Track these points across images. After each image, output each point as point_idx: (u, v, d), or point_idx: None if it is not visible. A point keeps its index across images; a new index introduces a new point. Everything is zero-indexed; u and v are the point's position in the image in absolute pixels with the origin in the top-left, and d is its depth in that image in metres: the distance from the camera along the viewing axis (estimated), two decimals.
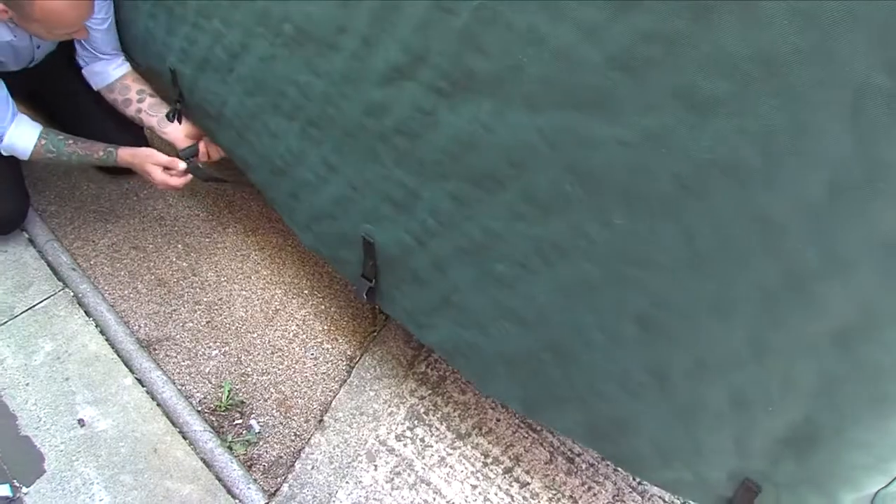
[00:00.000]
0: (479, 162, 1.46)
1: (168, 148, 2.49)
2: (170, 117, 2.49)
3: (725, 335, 1.26)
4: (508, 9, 1.23)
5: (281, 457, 2.18)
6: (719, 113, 1.06)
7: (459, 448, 2.23)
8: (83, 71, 2.49)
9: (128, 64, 2.54)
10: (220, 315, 2.52)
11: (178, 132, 2.51)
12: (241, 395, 2.31)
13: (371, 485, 2.13)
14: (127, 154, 2.39)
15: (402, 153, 1.62)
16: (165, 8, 2.17)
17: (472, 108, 1.40)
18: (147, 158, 2.37)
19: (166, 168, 2.37)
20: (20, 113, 2.27)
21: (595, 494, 2.19)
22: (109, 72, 2.48)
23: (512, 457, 2.23)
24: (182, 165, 2.40)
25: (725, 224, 1.15)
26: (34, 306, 2.42)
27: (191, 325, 2.48)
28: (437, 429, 2.27)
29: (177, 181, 2.40)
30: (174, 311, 2.51)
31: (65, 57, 2.52)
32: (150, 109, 2.51)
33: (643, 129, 1.16)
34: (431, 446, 2.23)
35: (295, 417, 2.28)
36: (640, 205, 1.24)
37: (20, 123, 2.26)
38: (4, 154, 2.27)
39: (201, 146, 2.52)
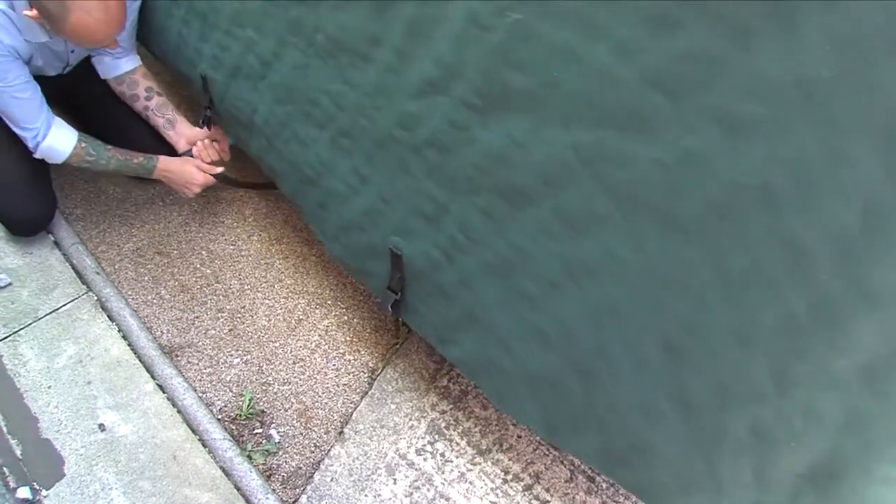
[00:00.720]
0: (510, 177, 1.44)
1: None
2: (200, 124, 2.52)
3: (749, 364, 1.24)
4: (545, 26, 1.22)
5: (300, 468, 2.17)
6: (755, 137, 1.04)
7: (480, 464, 2.21)
8: (92, 59, 2.52)
9: (138, 58, 2.59)
10: (243, 323, 2.52)
11: (181, 137, 2.58)
12: (261, 404, 2.30)
13: (390, 498, 2.12)
14: (167, 161, 2.46)
15: (434, 166, 1.62)
16: (199, 15, 2.18)
17: (505, 123, 1.39)
18: (192, 161, 2.51)
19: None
20: (56, 116, 2.29)
21: None
22: (120, 63, 2.52)
23: (532, 474, 2.21)
24: (220, 168, 2.53)
25: (756, 250, 1.13)
26: (58, 309, 2.42)
27: (213, 332, 2.48)
28: (458, 444, 2.25)
29: (212, 180, 2.53)
30: (197, 317, 2.51)
31: None
32: (157, 109, 2.57)
33: (679, 149, 1.14)
34: (451, 461, 2.21)
35: (315, 428, 2.27)
36: (672, 227, 1.22)
37: (59, 127, 2.28)
38: (38, 157, 2.29)
39: (194, 150, 2.59)
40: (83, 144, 2.32)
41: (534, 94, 1.30)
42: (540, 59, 1.26)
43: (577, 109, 1.25)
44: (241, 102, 2.20)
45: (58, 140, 2.27)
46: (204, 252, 2.72)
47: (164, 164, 2.47)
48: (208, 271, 2.66)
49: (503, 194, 1.49)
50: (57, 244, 2.62)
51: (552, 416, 1.77)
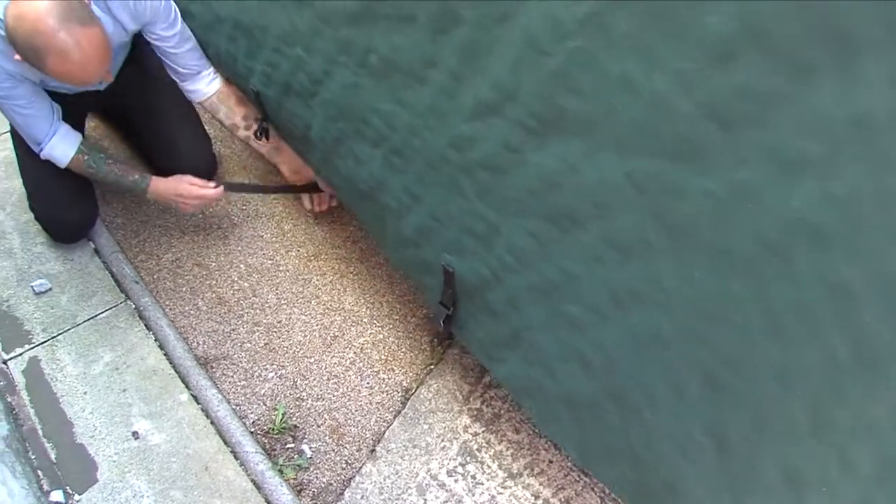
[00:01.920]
0: (561, 201, 1.44)
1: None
2: (257, 135, 2.52)
3: (788, 404, 1.22)
4: (605, 55, 1.21)
5: (331, 484, 2.17)
6: (807, 173, 1.02)
7: (510, 488, 2.20)
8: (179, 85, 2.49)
9: (219, 80, 2.52)
10: (279, 338, 2.52)
11: (284, 164, 2.71)
12: (294, 419, 2.31)
13: None
14: (160, 182, 2.42)
15: (486, 188, 1.61)
16: (245, 32, 2.19)
17: (559, 147, 1.38)
18: (182, 178, 2.43)
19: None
20: (63, 123, 2.29)
21: None
22: (202, 90, 2.48)
23: (563, 500, 2.19)
24: (212, 183, 2.47)
25: (803, 288, 1.10)
26: (96, 316, 2.45)
27: (249, 345, 2.49)
28: (489, 467, 2.24)
29: (212, 193, 2.46)
30: (233, 330, 2.52)
31: (135, 71, 2.51)
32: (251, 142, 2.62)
33: (732, 182, 1.13)
34: (482, 484, 2.20)
35: (347, 445, 2.27)
36: (721, 260, 1.21)
37: (61, 137, 2.28)
38: (43, 158, 2.31)
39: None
40: (85, 157, 2.33)
41: (590, 119, 1.30)
42: (598, 86, 1.25)
43: (633, 137, 1.24)
44: (295, 118, 2.21)
45: (57, 150, 2.29)
46: (242, 265, 2.74)
47: (154, 187, 2.42)
48: (246, 285, 2.67)
49: (552, 217, 1.48)
50: (97, 252, 2.66)
51: (589, 442, 1.76)
